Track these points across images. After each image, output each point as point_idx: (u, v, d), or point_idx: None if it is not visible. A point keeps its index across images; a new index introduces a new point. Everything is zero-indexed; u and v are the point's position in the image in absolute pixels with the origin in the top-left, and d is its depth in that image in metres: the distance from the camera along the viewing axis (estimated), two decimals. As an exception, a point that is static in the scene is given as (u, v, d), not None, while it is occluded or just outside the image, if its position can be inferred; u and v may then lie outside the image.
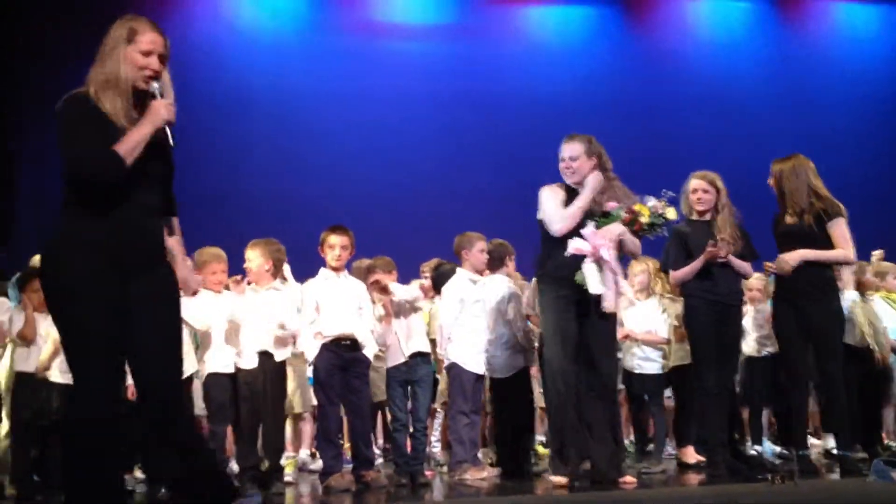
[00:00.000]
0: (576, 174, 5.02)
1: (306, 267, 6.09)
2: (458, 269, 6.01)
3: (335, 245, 5.54)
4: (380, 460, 6.55)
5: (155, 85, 3.21)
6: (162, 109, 3.16)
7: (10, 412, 5.59)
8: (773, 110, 11.06)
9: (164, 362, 3.16)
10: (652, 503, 4.40)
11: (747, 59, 11.53)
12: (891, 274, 7.05)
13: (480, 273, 6.00)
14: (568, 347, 4.91)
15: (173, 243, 3.42)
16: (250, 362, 5.35)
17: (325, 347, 5.45)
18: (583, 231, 4.87)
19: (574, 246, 4.86)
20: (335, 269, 5.58)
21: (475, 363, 5.76)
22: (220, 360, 5.44)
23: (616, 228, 4.90)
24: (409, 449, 5.73)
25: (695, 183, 5.53)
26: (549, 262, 5.02)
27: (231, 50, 10.41)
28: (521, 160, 9.54)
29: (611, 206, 4.98)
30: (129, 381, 3.76)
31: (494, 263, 6.11)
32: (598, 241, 4.84)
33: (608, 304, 4.86)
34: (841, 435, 5.41)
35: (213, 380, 5.43)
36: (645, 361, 6.34)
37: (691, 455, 6.08)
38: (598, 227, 4.90)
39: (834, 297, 5.44)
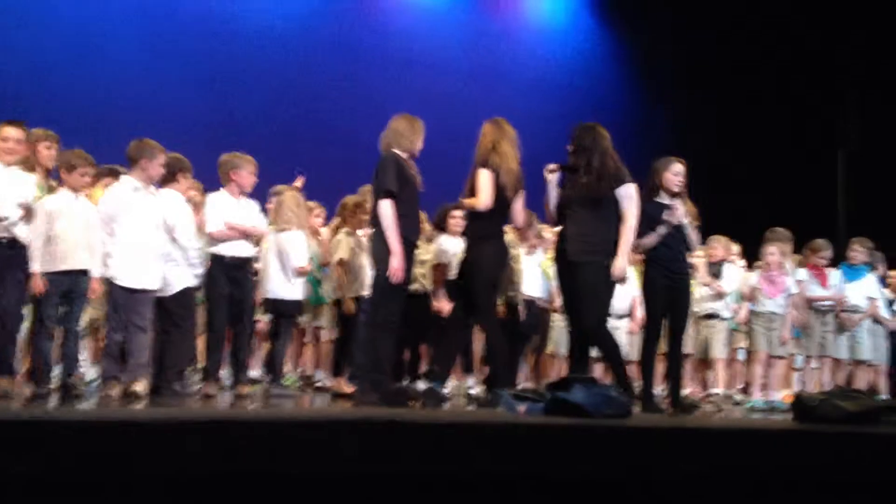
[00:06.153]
0: None
1: None
2: (123, 177, 5.69)
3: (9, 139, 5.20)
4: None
5: None
6: None
7: None
8: (465, 80, 11.44)
9: None
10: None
11: (449, 26, 11.89)
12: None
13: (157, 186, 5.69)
14: None
15: None
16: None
17: None
18: None
19: None
20: None
21: (130, 278, 5.51)
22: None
23: None
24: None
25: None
26: None
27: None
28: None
29: None
30: None
31: (166, 178, 5.81)
32: None
33: None
34: (493, 374, 5.74)
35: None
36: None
37: (346, 385, 6.24)
38: None
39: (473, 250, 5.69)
